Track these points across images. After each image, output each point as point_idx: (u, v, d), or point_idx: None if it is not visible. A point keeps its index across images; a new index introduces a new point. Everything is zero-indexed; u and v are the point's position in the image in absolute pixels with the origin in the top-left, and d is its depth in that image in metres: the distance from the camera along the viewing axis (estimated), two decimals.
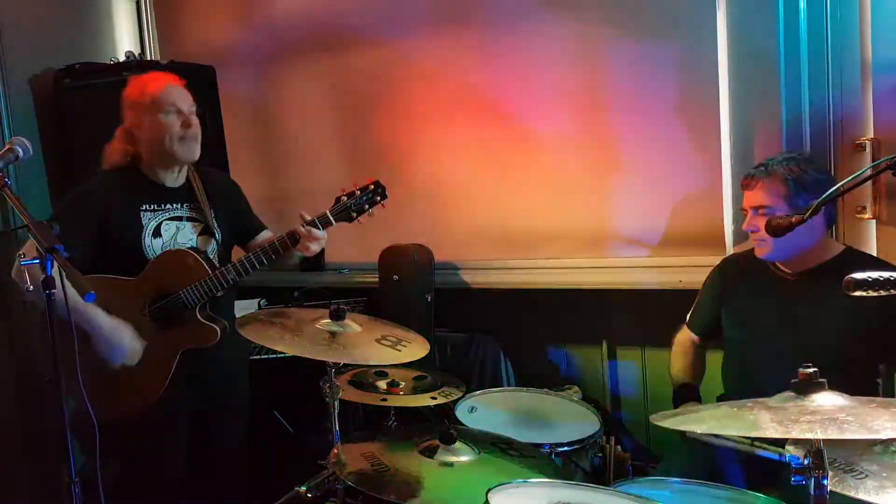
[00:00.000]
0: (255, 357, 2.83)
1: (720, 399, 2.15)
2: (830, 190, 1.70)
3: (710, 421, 1.21)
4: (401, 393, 2.32)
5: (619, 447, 2.36)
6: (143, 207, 2.14)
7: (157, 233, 2.14)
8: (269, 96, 3.44)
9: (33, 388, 2.88)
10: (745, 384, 1.99)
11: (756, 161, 2.10)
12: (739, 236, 2.53)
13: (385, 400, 2.26)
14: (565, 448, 2.04)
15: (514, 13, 2.86)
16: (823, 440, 1.11)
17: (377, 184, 2.13)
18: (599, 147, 2.80)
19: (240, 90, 3.42)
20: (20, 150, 1.70)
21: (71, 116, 2.99)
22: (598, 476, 2.12)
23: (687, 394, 2.14)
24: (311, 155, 3.38)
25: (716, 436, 1.74)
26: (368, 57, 3.17)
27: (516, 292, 2.96)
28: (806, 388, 1.17)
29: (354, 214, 2.11)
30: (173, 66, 2.92)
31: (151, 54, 3.58)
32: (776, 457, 1.60)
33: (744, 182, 2.01)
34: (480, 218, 3.06)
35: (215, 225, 2.24)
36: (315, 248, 2.11)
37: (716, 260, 2.29)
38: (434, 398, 2.25)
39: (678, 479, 1.68)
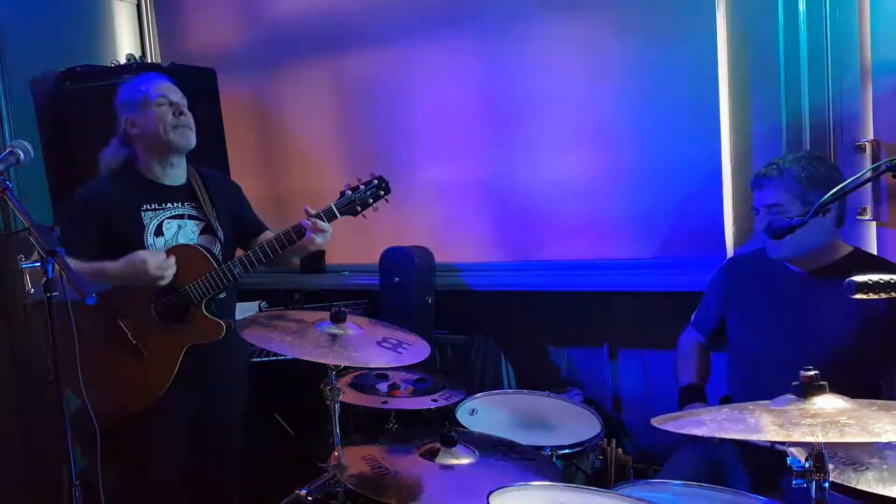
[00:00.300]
0: (255, 359, 2.83)
1: (723, 401, 2.15)
2: (830, 192, 1.70)
3: (710, 424, 1.21)
4: (402, 395, 2.32)
5: (620, 450, 2.37)
6: (144, 207, 2.15)
7: (159, 232, 2.15)
8: (269, 98, 3.45)
9: (34, 391, 2.88)
10: (752, 386, 1.98)
11: (755, 163, 2.10)
12: (740, 237, 2.53)
13: (386, 402, 2.26)
14: (566, 451, 2.04)
15: (515, 14, 2.86)
16: (825, 443, 1.11)
17: (380, 178, 2.13)
18: (601, 149, 2.80)
19: (240, 92, 3.42)
20: (21, 153, 1.71)
21: (72, 119, 2.99)
22: (600, 479, 2.12)
23: (693, 394, 2.12)
24: (311, 156, 3.38)
25: None
26: (368, 58, 3.17)
27: (517, 294, 2.96)
28: (807, 390, 1.17)
29: (359, 208, 2.12)
30: (174, 68, 2.92)
31: (152, 57, 3.59)
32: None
33: (755, 181, 2.00)
34: (481, 220, 3.06)
35: (217, 224, 2.24)
36: (320, 240, 2.11)
37: (717, 261, 2.29)
38: (435, 400, 2.25)
39: (679, 482, 1.68)
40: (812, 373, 1.18)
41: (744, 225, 2.52)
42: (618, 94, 2.74)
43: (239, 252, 2.29)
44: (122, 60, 3.29)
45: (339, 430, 1.87)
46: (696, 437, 1.91)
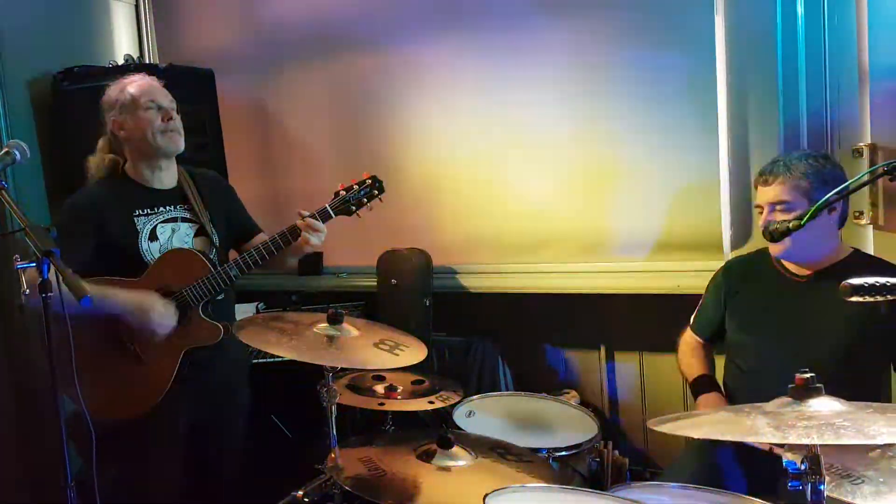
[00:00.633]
0: (255, 361, 2.82)
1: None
2: (827, 195, 1.70)
3: (706, 426, 1.21)
4: (398, 397, 2.31)
5: (616, 452, 2.37)
6: (136, 213, 2.14)
7: (153, 236, 2.14)
8: (267, 99, 3.45)
9: (31, 391, 2.87)
10: (750, 388, 1.98)
11: (754, 166, 2.10)
12: (737, 240, 2.53)
13: (383, 404, 2.25)
14: (563, 453, 2.04)
15: (513, 17, 2.87)
16: (820, 445, 1.11)
17: (374, 178, 2.14)
18: (598, 151, 2.81)
19: (238, 93, 3.42)
20: (17, 154, 1.70)
21: (69, 120, 2.98)
22: (596, 481, 2.12)
23: (706, 382, 2.10)
24: (309, 158, 3.38)
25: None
26: (366, 60, 3.17)
27: (514, 296, 2.96)
28: (803, 393, 1.17)
29: (353, 208, 2.13)
30: (172, 69, 2.92)
31: (150, 57, 3.58)
32: None
33: (761, 178, 1.96)
34: (479, 222, 3.06)
35: (211, 226, 2.24)
36: (316, 241, 2.11)
37: (714, 264, 2.29)
38: (432, 402, 2.25)
39: (676, 484, 1.68)
40: (808, 375, 1.18)
41: (741, 227, 2.52)
42: (616, 97, 2.75)
43: (233, 254, 2.29)
44: (120, 61, 3.29)
45: (336, 431, 1.86)
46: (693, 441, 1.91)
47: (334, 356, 1.80)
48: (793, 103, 2.37)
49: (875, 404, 1.18)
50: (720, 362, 2.20)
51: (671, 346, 2.32)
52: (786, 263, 2.02)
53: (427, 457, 1.80)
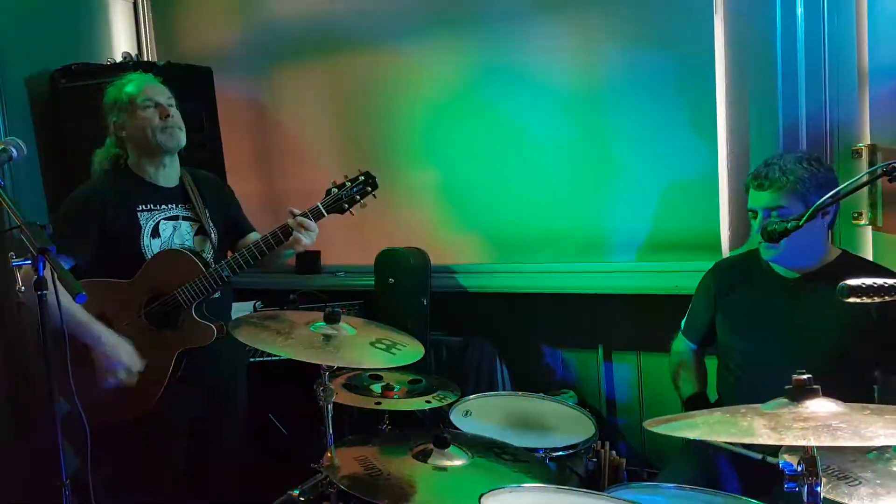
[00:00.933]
0: (253, 359, 2.82)
1: (714, 405, 2.14)
2: (825, 196, 1.70)
3: (703, 427, 1.21)
4: (395, 397, 2.31)
5: (614, 452, 2.37)
6: (140, 208, 2.15)
7: (155, 233, 2.15)
8: (265, 98, 3.45)
9: (28, 389, 2.87)
10: (741, 391, 1.98)
11: (752, 167, 2.09)
12: (736, 240, 2.53)
13: (379, 404, 2.25)
14: (560, 453, 2.03)
15: (512, 16, 2.86)
16: (817, 446, 1.10)
17: (367, 174, 2.12)
18: (596, 152, 2.80)
19: (236, 91, 3.42)
20: (14, 151, 1.70)
21: (67, 117, 2.98)
22: (593, 481, 2.12)
23: (699, 402, 2.09)
24: (307, 156, 3.37)
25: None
26: (365, 59, 3.17)
27: (512, 296, 2.96)
28: (800, 394, 1.17)
29: (346, 205, 2.11)
30: (170, 67, 2.92)
31: (148, 55, 3.58)
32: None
33: (755, 182, 1.94)
34: (477, 221, 3.05)
35: (210, 225, 2.24)
36: (307, 240, 2.10)
37: (712, 265, 2.28)
38: (429, 402, 2.25)
39: (672, 485, 1.68)
40: (805, 376, 1.18)
41: (740, 228, 2.52)
42: (615, 97, 2.74)
43: (229, 254, 2.29)
44: (118, 58, 3.28)
45: (333, 430, 1.86)
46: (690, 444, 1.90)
47: (330, 355, 1.79)
48: (792, 104, 2.36)
49: (872, 406, 1.18)
50: (715, 363, 2.19)
51: (669, 346, 2.31)
52: (775, 266, 2.01)
53: (423, 456, 1.80)
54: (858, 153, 2.24)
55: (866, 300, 1.23)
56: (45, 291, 1.48)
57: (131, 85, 2.16)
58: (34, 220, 1.55)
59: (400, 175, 3.10)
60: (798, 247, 1.88)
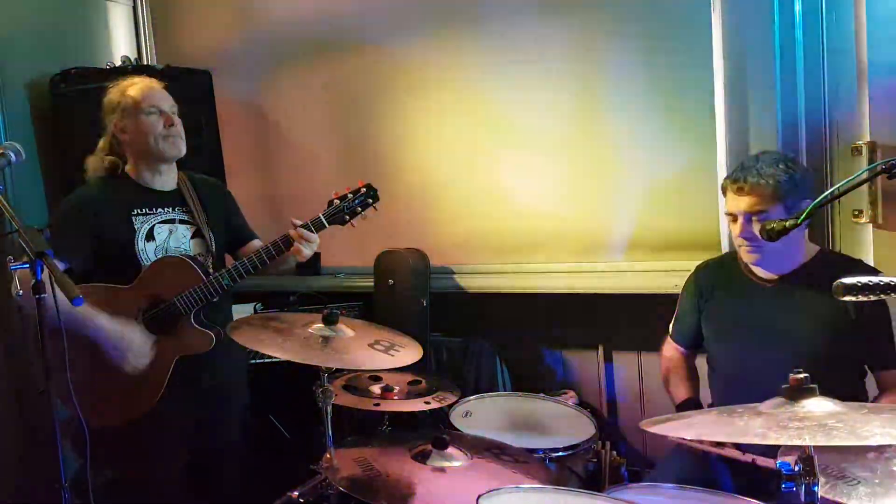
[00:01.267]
0: (254, 361, 2.82)
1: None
2: (825, 193, 1.69)
3: (699, 427, 1.20)
4: (395, 398, 2.31)
5: (614, 452, 2.35)
6: (135, 212, 2.14)
7: (149, 236, 2.14)
8: (264, 101, 3.44)
9: (28, 392, 2.87)
10: (731, 395, 1.95)
11: None
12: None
13: (379, 405, 2.25)
14: (560, 453, 2.03)
15: (510, 16, 2.86)
16: (814, 446, 1.10)
17: (368, 186, 2.14)
18: (595, 151, 2.80)
19: (236, 95, 3.42)
20: (12, 155, 1.70)
21: (67, 121, 2.98)
22: (594, 481, 2.11)
23: (691, 408, 2.08)
24: (306, 159, 3.37)
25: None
26: (364, 62, 3.17)
27: (512, 297, 2.95)
28: (796, 393, 1.17)
29: (347, 217, 2.12)
30: (169, 70, 2.92)
31: (148, 59, 3.58)
32: None
33: (733, 185, 1.91)
34: (476, 222, 3.05)
35: (209, 229, 2.24)
36: (308, 251, 2.11)
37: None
38: (428, 403, 2.24)
39: (672, 485, 1.67)
40: (802, 376, 1.17)
41: None
42: (613, 95, 2.74)
43: (229, 260, 2.29)
44: (118, 62, 3.29)
45: (332, 431, 1.86)
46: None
47: (329, 357, 1.79)
48: (791, 101, 2.36)
49: (869, 405, 1.18)
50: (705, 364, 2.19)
51: None
52: (754, 269, 2.00)
53: (422, 457, 1.80)
54: (858, 150, 2.23)
55: (861, 298, 1.22)
56: (43, 295, 1.49)
57: (136, 88, 2.14)
58: (33, 224, 1.56)
59: (399, 176, 3.10)
60: (779, 252, 1.87)
